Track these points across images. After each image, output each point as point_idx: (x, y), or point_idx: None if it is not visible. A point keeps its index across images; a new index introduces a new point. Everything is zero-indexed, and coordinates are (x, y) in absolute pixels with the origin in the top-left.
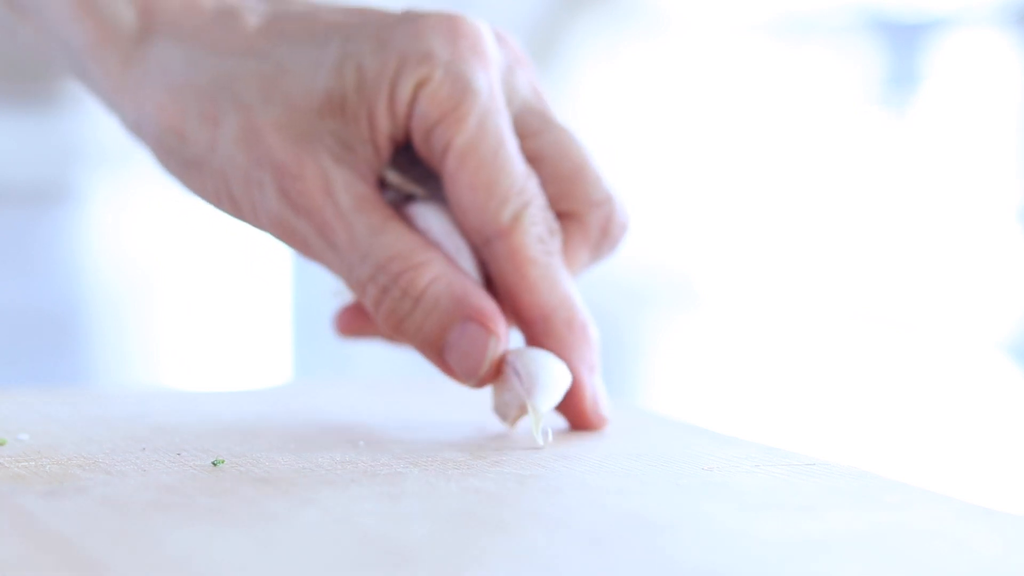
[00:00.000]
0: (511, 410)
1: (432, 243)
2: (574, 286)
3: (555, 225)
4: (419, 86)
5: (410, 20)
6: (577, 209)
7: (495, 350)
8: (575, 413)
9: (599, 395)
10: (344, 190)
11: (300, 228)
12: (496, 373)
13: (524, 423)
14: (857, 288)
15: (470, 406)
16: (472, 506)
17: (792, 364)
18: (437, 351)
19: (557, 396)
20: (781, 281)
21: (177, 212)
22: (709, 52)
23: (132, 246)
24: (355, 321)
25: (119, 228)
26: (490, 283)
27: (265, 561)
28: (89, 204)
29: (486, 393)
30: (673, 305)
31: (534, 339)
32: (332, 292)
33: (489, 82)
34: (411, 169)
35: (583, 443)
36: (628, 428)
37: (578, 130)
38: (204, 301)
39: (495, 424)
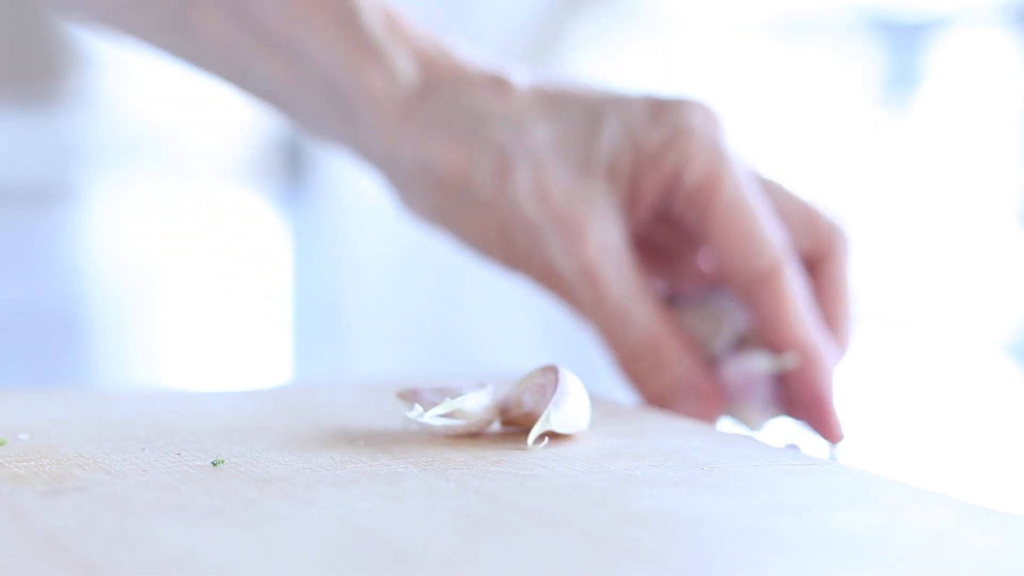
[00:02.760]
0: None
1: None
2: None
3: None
4: (686, 159)
5: (674, 102)
6: (818, 251)
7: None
8: (824, 429)
9: (838, 414)
10: (621, 253)
11: (575, 283)
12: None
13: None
14: (857, 288)
15: None
16: (472, 506)
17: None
18: (661, 402)
19: (569, 427)
20: None
21: (177, 213)
22: (709, 52)
23: (132, 246)
24: None
25: (119, 228)
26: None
27: (265, 561)
28: (89, 204)
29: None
30: None
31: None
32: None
33: (738, 154)
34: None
35: (582, 443)
36: (628, 428)
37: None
38: (204, 301)
39: (494, 424)
